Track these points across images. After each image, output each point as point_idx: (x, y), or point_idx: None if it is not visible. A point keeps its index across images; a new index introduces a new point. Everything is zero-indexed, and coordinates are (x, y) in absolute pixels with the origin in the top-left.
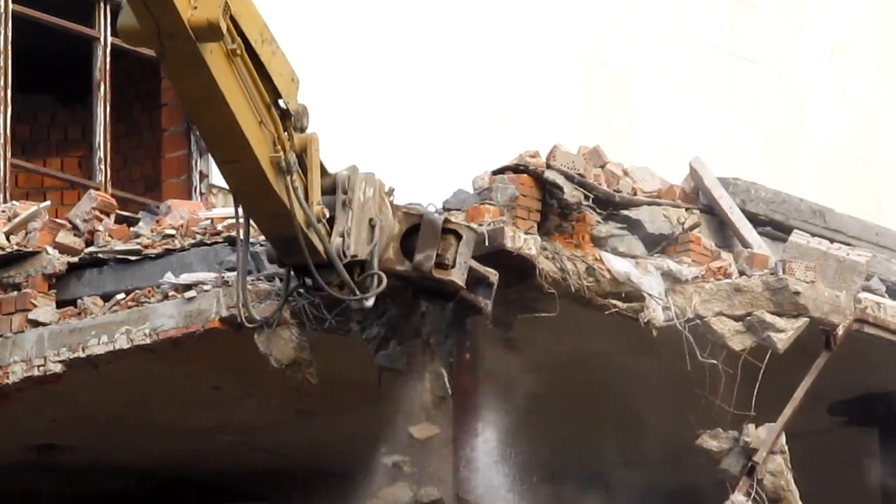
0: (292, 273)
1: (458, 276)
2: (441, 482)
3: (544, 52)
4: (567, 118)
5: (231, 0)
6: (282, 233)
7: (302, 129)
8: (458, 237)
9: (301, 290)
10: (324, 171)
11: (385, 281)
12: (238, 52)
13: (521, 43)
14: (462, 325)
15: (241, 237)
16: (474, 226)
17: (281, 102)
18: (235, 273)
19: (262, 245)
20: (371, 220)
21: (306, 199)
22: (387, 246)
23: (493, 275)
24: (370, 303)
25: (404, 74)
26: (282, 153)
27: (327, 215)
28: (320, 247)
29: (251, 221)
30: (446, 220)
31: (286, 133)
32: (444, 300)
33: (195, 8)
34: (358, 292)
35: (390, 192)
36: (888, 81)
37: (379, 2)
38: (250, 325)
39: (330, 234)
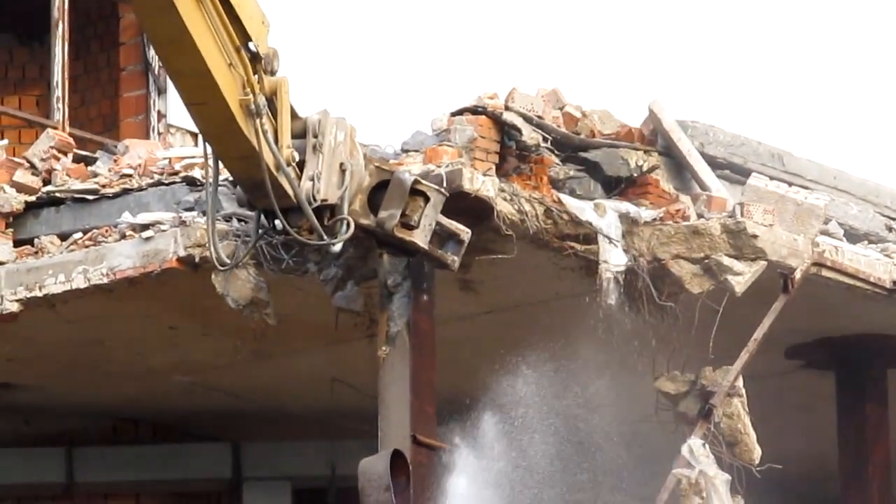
0: (262, 216)
1: (420, 238)
2: None
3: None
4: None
5: None
6: (251, 176)
7: (272, 73)
8: (427, 199)
9: (269, 235)
10: (294, 115)
11: (353, 226)
12: None
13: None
14: (420, 267)
15: (211, 179)
16: (443, 189)
17: (251, 45)
18: (199, 213)
19: (224, 185)
20: (342, 164)
21: (276, 142)
22: (354, 196)
23: (464, 232)
24: (338, 248)
25: (369, 19)
26: (251, 96)
27: (297, 159)
28: (290, 190)
29: (220, 164)
30: (416, 181)
31: (256, 76)
32: (404, 255)
33: None
34: (326, 237)
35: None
36: None
37: None
38: (221, 268)
39: (300, 178)
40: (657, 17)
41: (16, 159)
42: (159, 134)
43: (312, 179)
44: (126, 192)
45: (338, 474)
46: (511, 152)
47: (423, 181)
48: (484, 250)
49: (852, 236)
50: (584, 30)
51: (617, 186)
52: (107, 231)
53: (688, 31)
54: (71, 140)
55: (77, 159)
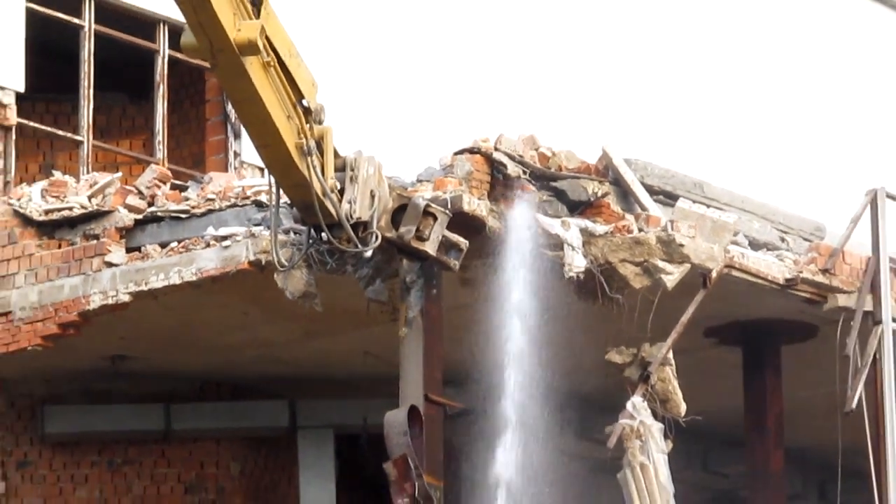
0: (312, 230)
1: (430, 247)
2: None
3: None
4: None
5: (266, 24)
6: (304, 200)
7: (320, 122)
8: (435, 218)
9: (317, 244)
10: (336, 154)
11: (380, 238)
12: (271, 63)
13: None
14: (430, 268)
15: (273, 202)
16: (448, 210)
17: (304, 102)
18: (265, 228)
19: (283, 207)
20: (372, 191)
21: (323, 174)
22: (381, 215)
23: (463, 242)
24: (369, 253)
25: (394, 80)
26: (304, 140)
27: (338, 187)
28: (333, 210)
29: (280, 190)
30: (427, 205)
31: (308, 125)
32: (418, 261)
33: (239, 30)
34: (360, 246)
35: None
36: None
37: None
38: (281, 269)
39: (341, 201)
40: (611, 76)
41: (127, 187)
42: (235, 168)
43: (350, 202)
44: (210, 212)
45: (368, 423)
46: (499, 182)
47: (433, 205)
48: (478, 256)
49: (754, 245)
50: (555, 85)
51: (578, 208)
52: (195, 241)
53: (632, 87)
54: (169, 173)
55: (173, 187)
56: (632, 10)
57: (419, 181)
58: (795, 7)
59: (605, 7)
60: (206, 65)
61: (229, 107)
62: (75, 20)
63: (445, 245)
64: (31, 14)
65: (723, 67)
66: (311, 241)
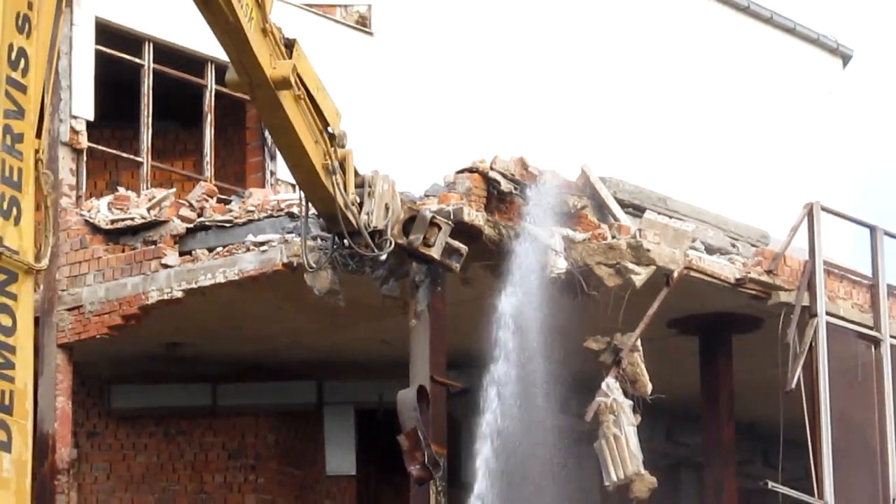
0: (335, 237)
1: (435, 252)
2: None
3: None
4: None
5: (297, 63)
6: (329, 211)
7: (342, 146)
8: (440, 227)
9: (340, 249)
10: (356, 173)
11: (393, 244)
12: (302, 96)
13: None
14: (436, 270)
15: (303, 214)
16: (450, 220)
17: (329, 129)
18: (296, 235)
19: (311, 218)
20: (386, 204)
21: (345, 190)
22: (394, 225)
23: (463, 248)
24: (384, 257)
25: (405, 111)
26: (329, 161)
27: (358, 201)
28: (353, 221)
29: (309, 203)
30: (433, 216)
31: (332, 148)
32: (425, 263)
33: (274, 68)
34: (376, 251)
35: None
36: None
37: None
38: (310, 270)
39: (360, 213)
40: (589, 107)
41: (180, 201)
42: (271, 185)
43: (368, 214)
44: (249, 221)
45: (384, 401)
46: (494, 197)
47: (438, 216)
48: (477, 259)
49: (709, 250)
50: (541, 113)
51: (561, 218)
52: (237, 246)
53: (607, 116)
54: (215, 189)
55: (219, 201)
56: (609, 51)
57: (426, 196)
58: (741, 48)
59: (586, 48)
60: (247, 98)
61: (266, 133)
62: (137, 60)
63: (448, 250)
64: (99, 55)
65: (684, 98)
66: (335, 246)
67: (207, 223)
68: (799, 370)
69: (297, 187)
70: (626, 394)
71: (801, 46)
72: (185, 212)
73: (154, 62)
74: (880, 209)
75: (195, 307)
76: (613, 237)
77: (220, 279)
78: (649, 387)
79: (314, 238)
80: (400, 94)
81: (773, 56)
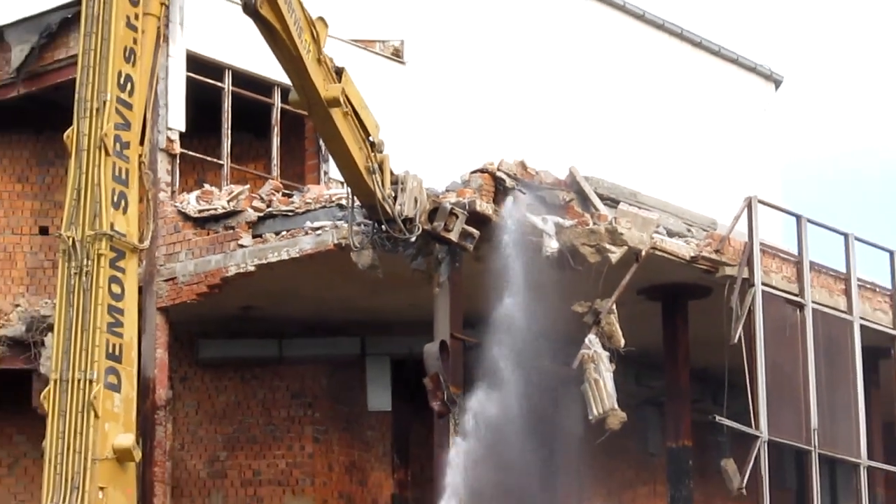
0: (375, 224)
1: (453, 236)
2: None
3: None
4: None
5: (346, 86)
6: (370, 203)
7: (381, 152)
8: (457, 216)
9: (379, 233)
10: (392, 173)
11: (421, 229)
12: (349, 113)
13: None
14: (454, 249)
15: (350, 205)
16: (466, 210)
17: (370, 138)
18: (345, 222)
19: (356, 208)
20: (415, 198)
21: (383, 186)
22: (421, 214)
23: (476, 232)
24: (413, 239)
25: (429, 124)
26: (370, 164)
27: (393, 195)
28: (389, 211)
29: (354, 197)
30: (452, 207)
31: (373, 153)
32: (446, 244)
33: (327, 90)
34: (407, 234)
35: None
36: None
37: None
38: (355, 249)
39: (395, 205)
40: (576, 119)
41: (253, 195)
42: (325, 182)
43: (401, 206)
44: (308, 211)
45: (413, 352)
46: (500, 191)
47: (456, 207)
48: (487, 240)
49: (670, 234)
50: (538, 123)
51: (554, 209)
52: (298, 231)
53: (591, 127)
54: (280, 185)
55: (284, 195)
56: (591, 80)
57: (447, 191)
58: (695, 77)
59: (576, 78)
60: (306, 114)
61: (320, 142)
62: (219, 84)
63: (464, 234)
64: (190, 80)
65: (652, 115)
66: (374, 231)
67: (274, 212)
68: (740, 328)
69: (345, 184)
70: (604, 347)
71: (741, 73)
72: (257, 203)
73: (232, 86)
74: (805, 201)
75: (265, 278)
76: (595, 223)
77: (285, 257)
78: (622, 341)
79: (359, 224)
80: (426, 111)
81: (722, 82)
